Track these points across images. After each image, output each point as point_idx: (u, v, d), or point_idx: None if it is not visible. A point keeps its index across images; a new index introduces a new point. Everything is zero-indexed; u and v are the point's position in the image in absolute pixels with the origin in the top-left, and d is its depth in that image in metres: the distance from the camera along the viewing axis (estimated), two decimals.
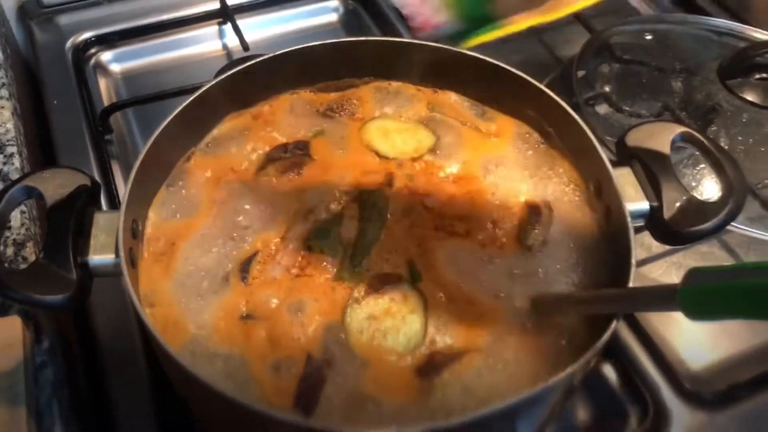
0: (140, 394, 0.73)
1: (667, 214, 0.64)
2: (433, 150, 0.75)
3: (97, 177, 0.93)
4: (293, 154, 0.75)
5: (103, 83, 1.14)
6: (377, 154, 0.75)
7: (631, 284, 0.58)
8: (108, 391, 0.73)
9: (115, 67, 1.16)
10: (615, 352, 0.78)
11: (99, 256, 0.61)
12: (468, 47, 0.48)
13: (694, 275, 0.47)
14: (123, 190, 0.91)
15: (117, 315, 0.77)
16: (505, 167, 0.74)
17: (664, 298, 0.50)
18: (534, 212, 0.70)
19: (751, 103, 0.95)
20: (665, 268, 0.88)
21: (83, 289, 0.59)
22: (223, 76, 0.75)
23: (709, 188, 0.87)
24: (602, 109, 1.01)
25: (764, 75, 0.97)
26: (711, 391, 0.75)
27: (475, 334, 0.61)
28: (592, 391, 0.76)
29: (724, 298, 0.45)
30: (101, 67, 1.16)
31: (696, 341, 0.81)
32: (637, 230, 0.63)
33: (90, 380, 0.77)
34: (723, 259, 0.89)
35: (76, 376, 0.75)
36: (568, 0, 0.46)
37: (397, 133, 0.77)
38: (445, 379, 0.58)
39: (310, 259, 0.66)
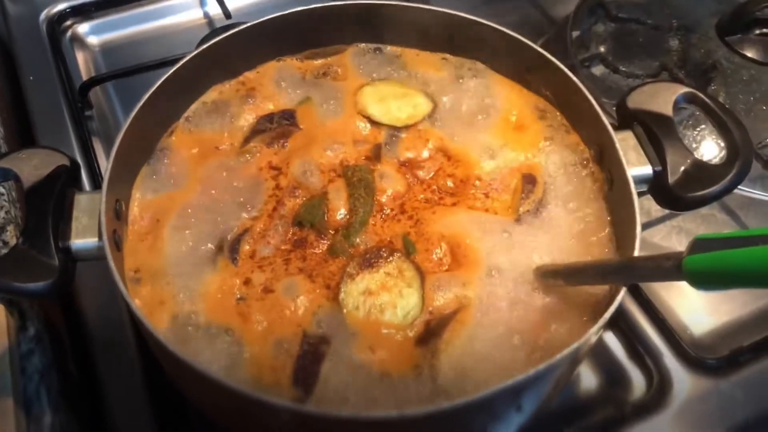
0: (132, 377, 0.71)
1: (671, 178, 0.62)
2: (429, 117, 0.73)
3: (78, 155, 0.90)
4: (279, 125, 0.72)
5: (80, 57, 1.09)
6: (369, 120, 0.73)
7: (637, 252, 0.56)
8: (99, 376, 0.71)
9: (93, 40, 1.12)
10: (617, 319, 0.76)
11: (81, 240, 0.58)
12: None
13: (699, 243, 0.45)
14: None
15: (105, 298, 0.75)
16: (500, 134, 0.71)
17: (668, 267, 0.48)
18: (529, 181, 0.67)
19: (752, 60, 0.92)
20: (665, 233, 0.86)
21: (66, 274, 0.57)
22: (205, 46, 0.72)
23: (710, 149, 0.84)
24: (598, 70, 0.98)
25: (765, 30, 0.93)
26: (714, 357, 0.74)
27: (467, 292, 0.60)
28: (596, 359, 0.75)
29: (731, 266, 0.43)
30: (78, 40, 1.11)
31: (698, 307, 0.80)
32: (639, 195, 0.61)
33: (80, 366, 0.75)
34: (724, 222, 0.87)
35: (65, 362, 0.73)
36: None
37: (393, 99, 0.74)
38: (445, 340, 0.57)
39: (301, 236, 0.64)
